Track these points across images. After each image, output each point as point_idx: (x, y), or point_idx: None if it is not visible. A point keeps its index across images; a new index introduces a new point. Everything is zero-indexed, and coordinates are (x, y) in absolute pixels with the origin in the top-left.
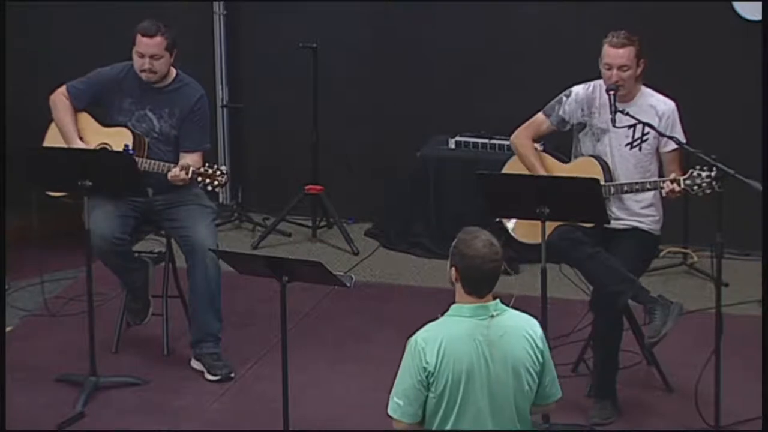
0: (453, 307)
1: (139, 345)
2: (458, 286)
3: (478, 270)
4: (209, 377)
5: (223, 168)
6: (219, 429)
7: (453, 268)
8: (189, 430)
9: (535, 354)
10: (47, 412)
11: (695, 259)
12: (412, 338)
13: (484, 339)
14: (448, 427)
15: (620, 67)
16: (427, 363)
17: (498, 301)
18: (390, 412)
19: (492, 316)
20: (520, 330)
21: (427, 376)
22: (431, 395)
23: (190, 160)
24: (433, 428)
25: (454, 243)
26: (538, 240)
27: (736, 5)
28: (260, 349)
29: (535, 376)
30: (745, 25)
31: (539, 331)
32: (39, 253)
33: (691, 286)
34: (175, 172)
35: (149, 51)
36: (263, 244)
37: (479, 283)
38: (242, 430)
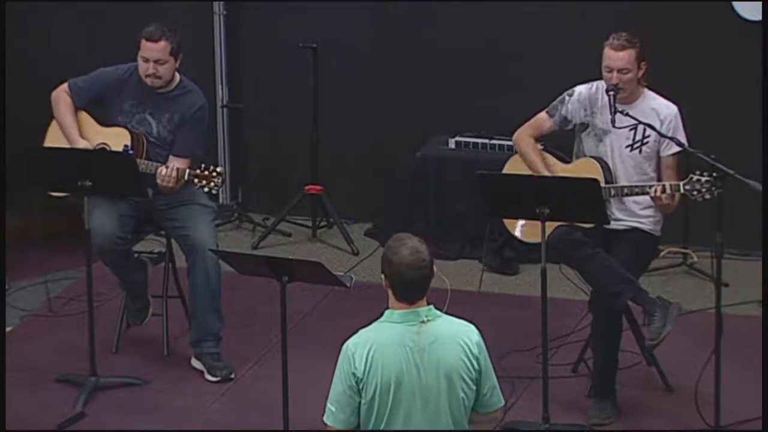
0: (386, 312)
1: (139, 345)
2: (390, 293)
3: (404, 277)
4: (209, 377)
5: (219, 169)
6: (219, 429)
7: (383, 275)
8: (189, 430)
9: (470, 361)
10: (47, 412)
11: (695, 259)
12: (345, 343)
13: (414, 345)
14: None
15: (620, 70)
16: (356, 369)
17: (431, 307)
18: (324, 418)
19: (423, 322)
20: (454, 336)
21: (356, 382)
22: (362, 401)
23: (177, 164)
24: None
25: (384, 250)
26: (536, 239)
27: (736, 5)
28: (260, 349)
29: (470, 384)
30: (745, 25)
31: (475, 337)
32: (40, 253)
33: (691, 286)
34: (162, 171)
35: (154, 56)
36: (263, 244)
37: (407, 290)
38: (242, 430)
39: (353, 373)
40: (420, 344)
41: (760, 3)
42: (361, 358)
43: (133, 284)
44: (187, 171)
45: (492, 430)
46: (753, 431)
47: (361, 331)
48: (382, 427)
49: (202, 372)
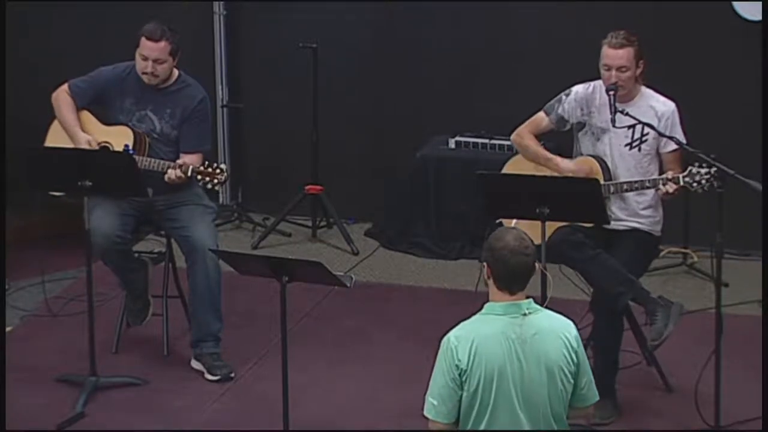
0: (486, 305)
1: (139, 345)
2: (491, 284)
3: (507, 263)
4: (209, 377)
5: (222, 166)
6: (219, 429)
7: (485, 264)
8: (189, 430)
9: (569, 355)
10: (47, 412)
11: (695, 259)
12: (446, 337)
13: (517, 337)
14: (482, 427)
15: (619, 68)
16: (459, 361)
17: (531, 300)
18: (425, 412)
19: (525, 315)
20: (555, 330)
21: (459, 375)
22: (465, 394)
23: (189, 161)
24: (468, 428)
25: (487, 240)
26: (537, 241)
27: (736, 5)
28: (260, 349)
29: (570, 377)
30: (745, 25)
31: (574, 331)
32: (40, 253)
33: (691, 286)
34: (170, 174)
35: (153, 55)
36: (263, 244)
37: (509, 278)
38: (242, 430)
39: (456, 366)
40: (522, 336)
41: (760, 3)
42: (465, 350)
43: (133, 284)
44: (191, 168)
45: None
46: (753, 431)
47: (463, 324)
48: (485, 420)
49: (202, 372)
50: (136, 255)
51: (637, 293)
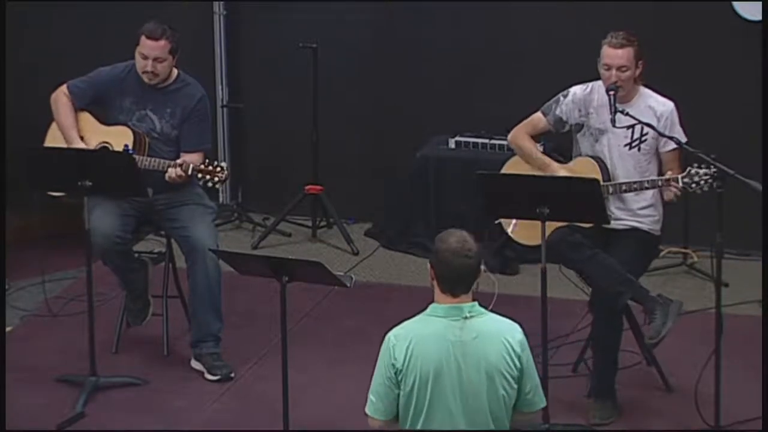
0: (430, 306)
1: (139, 345)
2: (435, 285)
3: (449, 265)
4: (209, 377)
5: (222, 164)
6: (219, 429)
7: (429, 265)
8: (189, 430)
9: (511, 359)
10: (47, 412)
11: (695, 259)
12: (387, 335)
13: (456, 340)
14: (418, 426)
15: (619, 68)
16: (395, 360)
17: (475, 303)
18: (365, 408)
19: (466, 318)
20: (497, 334)
21: (395, 373)
22: (401, 393)
23: (190, 160)
24: (406, 427)
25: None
26: (537, 242)
27: (736, 5)
28: (260, 349)
29: (512, 382)
30: (745, 25)
31: (518, 336)
32: (39, 253)
33: (691, 286)
34: (170, 173)
35: (153, 54)
36: (263, 244)
37: (452, 281)
38: (242, 430)
39: (393, 364)
40: (462, 339)
41: (760, 3)
42: (401, 349)
43: (133, 284)
44: (191, 166)
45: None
46: (753, 431)
47: (404, 323)
48: (421, 420)
49: (202, 372)
50: (136, 255)
51: (636, 292)
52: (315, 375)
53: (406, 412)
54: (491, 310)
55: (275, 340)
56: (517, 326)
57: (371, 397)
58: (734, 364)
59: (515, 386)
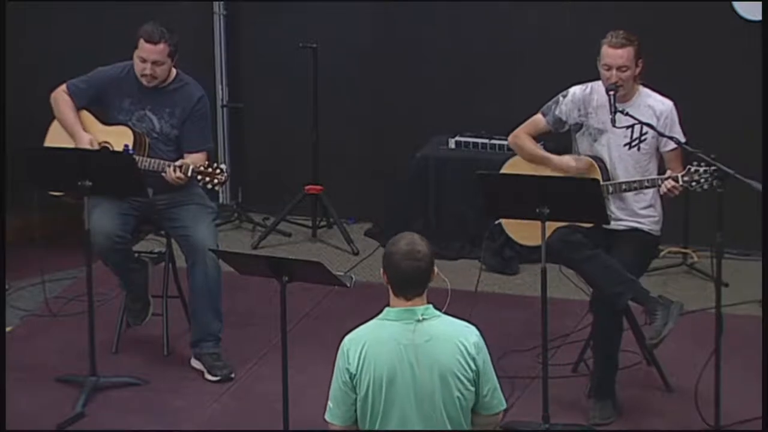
0: (385, 309)
1: (139, 345)
2: (389, 289)
3: (398, 268)
4: (209, 377)
5: (222, 166)
6: (219, 429)
7: (382, 269)
8: (189, 430)
9: (465, 361)
10: (47, 412)
11: (695, 259)
12: (343, 339)
13: (409, 343)
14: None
15: (619, 68)
16: (349, 365)
17: (429, 306)
18: (325, 414)
19: (419, 321)
20: (450, 336)
21: (350, 378)
22: (357, 397)
23: (193, 160)
24: (364, 430)
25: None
26: (536, 242)
27: (736, 5)
28: (260, 349)
29: (467, 384)
30: (745, 25)
31: (473, 338)
32: (40, 253)
33: (691, 286)
34: (170, 174)
35: (151, 57)
36: (263, 244)
37: (402, 283)
38: (242, 430)
39: (347, 369)
40: (414, 342)
41: (760, 3)
42: (355, 354)
43: (133, 284)
44: (191, 167)
45: (492, 431)
46: (753, 431)
47: (359, 328)
48: (377, 424)
49: (202, 372)
50: (136, 255)
51: (636, 293)
52: (315, 375)
53: (363, 417)
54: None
55: (275, 340)
56: (473, 329)
57: (330, 402)
58: (734, 364)
59: (471, 388)
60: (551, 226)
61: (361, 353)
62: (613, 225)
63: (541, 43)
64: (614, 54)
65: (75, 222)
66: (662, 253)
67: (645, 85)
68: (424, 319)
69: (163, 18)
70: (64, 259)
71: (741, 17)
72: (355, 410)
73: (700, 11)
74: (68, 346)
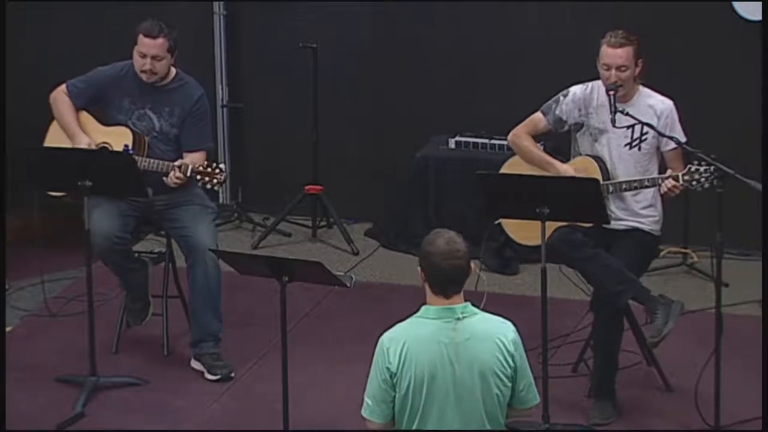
0: (422, 307)
1: (139, 345)
2: (426, 287)
3: (438, 267)
4: (209, 377)
5: (221, 166)
6: (219, 429)
7: (419, 268)
8: (189, 430)
9: (504, 358)
10: (47, 412)
11: (695, 259)
12: (380, 337)
13: (450, 341)
14: (413, 428)
15: (619, 68)
16: (390, 363)
17: (468, 304)
18: (362, 411)
19: (458, 319)
20: (489, 334)
21: (390, 377)
22: (396, 395)
23: (193, 159)
24: (402, 428)
25: (422, 244)
26: (536, 242)
27: (736, 5)
28: (260, 349)
29: (506, 381)
30: (745, 25)
31: (511, 335)
32: (39, 253)
33: (691, 286)
34: (170, 178)
35: (151, 52)
36: (263, 244)
37: (442, 282)
38: (242, 430)
39: (387, 368)
40: (455, 341)
41: (760, 3)
42: (395, 353)
43: (133, 284)
44: (190, 168)
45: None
46: (753, 431)
47: (397, 326)
48: (416, 422)
49: (202, 372)
50: (136, 255)
51: (637, 292)
52: (315, 375)
53: (401, 415)
54: (483, 309)
55: (275, 340)
56: (510, 325)
57: (367, 400)
58: (734, 364)
59: (509, 385)
60: (551, 226)
61: (401, 352)
62: (613, 225)
63: (541, 43)
64: (613, 54)
65: (75, 222)
66: (662, 253)
67: (645, 85)
68: (463, 317)
69: (163, 18)
70: (63, 259)
71: (741, 17)
72: (394, 407)
73: (700, 11)
74: (68, 346)
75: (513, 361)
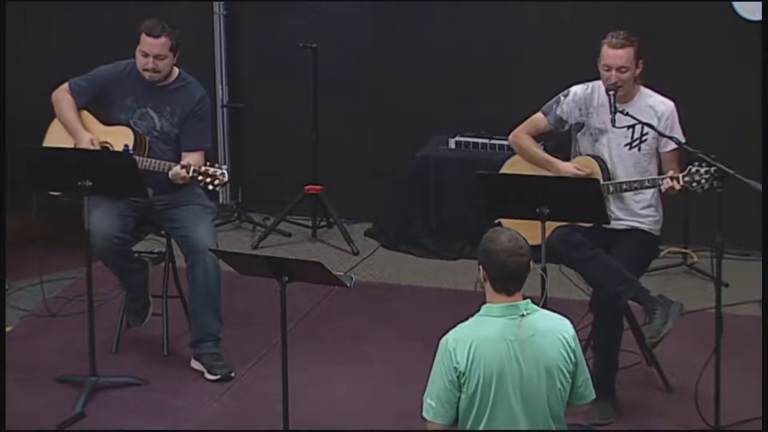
0: (484, 307)
1: (139, 345)
2: (487, 286)
3: (502, 264)
4: (209, 377)
5: (224, 167)
6: (219, 429)
7: (480, 267)
8: (189, 430)
9: (567, 354)
10: (47, 412)
11: (695, 259)
12: (444, 338)
13: (515, 339)
14: (481, 428)
15: (619, 68)
16: (457, 363)
17: (529, 300)
18: (424, 413)
19: (522, 316)
20: (553, 330)
21: (458, 377)
22: (463, 396)
23: (192, 159)
24: (467, 428)
25: (481, 242)
26: (536, 241)
27: (736, 5)
28: (260, 349)
29: (568, 377)
30: (745, 25)
31: (571, 331)
32: (39, 253)
33: (691, 286)
34: (175, 170)
35: (154, 51)
36: (263, 244)
37: (505, 280)
38: (242, 430)
39: (455, 368)
40: (521, 338)
41: (760, 3)
42: (463, 352)
43: (133, 284)
44: (192, 168)
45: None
46: (753, 431)
47: (460, 326)
48: (484, 421)
49: (202, 372)
50: (136, 255)
51: (636, 292)
52: (315, 375)
53: (467, 415)
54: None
55: (275, 340)
56: (568, 321)
57: (430, 401)
58: (734, 364)
59: (570, 380)
60: (551, 225)
61: (469, 351)
62: (613, 225)
63: (541, 43)
64: (614, 54)
65: (75, 222)
66: (662, 253)
67: (646, 86)
68: (527, 313)
69: (163, 18)
70: (63, 259)
71: (741, 17)
72: (458, 408)
73: (700, 11)
74: (68, 346)
75: (575, 356)
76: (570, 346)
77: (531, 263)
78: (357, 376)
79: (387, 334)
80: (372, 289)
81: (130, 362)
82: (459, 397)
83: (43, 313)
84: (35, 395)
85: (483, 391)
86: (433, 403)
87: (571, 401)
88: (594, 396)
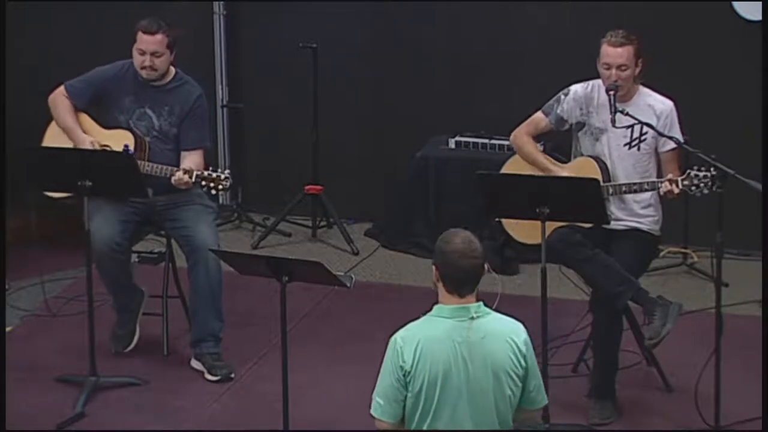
0: (435, 307)
1: (139, 345)
2: (440, 286)
3: (455, 266)
4: (209, 377)
5: (227, 172)
6: (219, 429)
7: (434, 266)
8: (189, 430)
9: (517, 358)
10: (47, 412)
11: (695, 259)
12: (393, 336)
13: (463, 341)
14: (425, 427)
15: (619, 67)
16: (404, 362)
17: (481, 303)
18: (372, 411)
19: (472, 318)
20: (503, 333)
21: (404, 375)
22: (409, 395)
23: (191, 159)
24: (412, 428)
25: (437, 242)
26: (536, 240)
27: (736, 5)
28: (260, 349)
29: (517, 381)
30: (745, 25)
31: (523, 335)
32: (39, 254)
33: (691, 286)
34: (178, 175)
35: (150, 48)
36: (263, 244)
37: (458, 282)
38: (242, 430)
39: (401, 367)
40: (469, 340)
41: (760, 3)
42: (410, 352)
43: (123, 306)
44: (195, 173)
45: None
46: (753, 431)
47: (410, 325)
48: (428, 421)
49: (202, 372)
50: (136, 255)
51: (636, 293)
52: (315, 375)
53: (412, 414)
54: (496, 309)
55: (275, 340)
56: (521, 325)
57: (378, 399)
58: (734, 364)
59: (520, 385)
60: (551, 225)
61: (416, 351)
62: (613, 225)
63: (541, 43)
64: (614, 53)
65: (75, 222)
66: (662, 253)
67: (645, 85)
68: (477, 316)
69: (163, 18)
70: (63, 259)
71: (741, 17)
72: (404, 407)
73: (700, 11)
74: (68, 346)
75: (525, 361)
76: (520, 350)
77: (486, 266)
78: (357, 376)
79: (387, 334)
80: (372, 289)
81: (130, 362)
82: (405, 396)
83: (43, 313)
84: (35, 395)
85: (428, 390)
86: (381, 401)
87: (522, 405)
88: (546, 401)
